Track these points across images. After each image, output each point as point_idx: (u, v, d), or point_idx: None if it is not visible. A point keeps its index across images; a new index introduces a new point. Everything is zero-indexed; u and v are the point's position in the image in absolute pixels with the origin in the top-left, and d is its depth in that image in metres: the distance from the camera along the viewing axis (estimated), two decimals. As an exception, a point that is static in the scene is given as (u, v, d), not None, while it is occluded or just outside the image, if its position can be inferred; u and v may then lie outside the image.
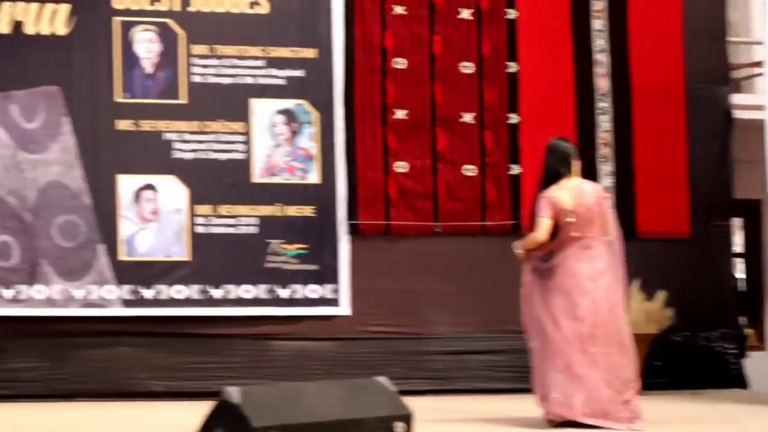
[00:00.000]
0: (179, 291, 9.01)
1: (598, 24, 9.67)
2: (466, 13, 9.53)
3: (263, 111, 9.21)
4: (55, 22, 8.98)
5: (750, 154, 9.63)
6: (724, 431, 6.93)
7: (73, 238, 8.93)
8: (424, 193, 9.41)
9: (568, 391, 6.37)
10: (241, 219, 9.13)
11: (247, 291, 9.10)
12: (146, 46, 9.07)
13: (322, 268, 9.24)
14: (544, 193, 6.55)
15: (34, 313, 8.88)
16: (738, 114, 9.89)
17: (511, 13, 9.60)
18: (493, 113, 9.57)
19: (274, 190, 9.19)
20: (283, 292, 9.16)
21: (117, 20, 9.07)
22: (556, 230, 6.50)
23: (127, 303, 8.97)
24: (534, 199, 6.68)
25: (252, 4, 9.21)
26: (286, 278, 9.17)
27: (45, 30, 8.98)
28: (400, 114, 9.40)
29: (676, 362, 9.47)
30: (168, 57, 9.11)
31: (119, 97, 9.03)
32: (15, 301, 8.84)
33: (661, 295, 9.19)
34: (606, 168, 9.52)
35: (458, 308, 9.48)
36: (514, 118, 9.60)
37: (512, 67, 9.62)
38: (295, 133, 9.23)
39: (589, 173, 7.90)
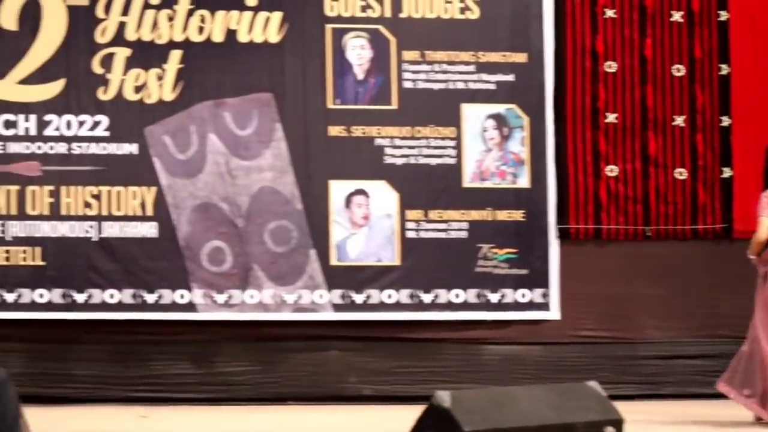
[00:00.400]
0: (389, 295, 8.99)
1: (815, 24, 9.39)
2: (677, 16, 9.34)
3: (474, 116, 9.14)
4: (268, 29, 9.03)
5: None
6: None
7: (285, 243, 8.98)
8: (634, 197, 9.26)
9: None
10: (452, 224, 9.08)
11: (456, 295, 9.05)
12: (358, 52, 9.07)
13: (532, 272, 9.15)
14: (766, 192, 6.48)
15: (246, 318, 8.95)
16: None
17: (723, 15, 9.37)
18: (705, 116, 9.36)
19: (485, 195, 9.12)
20: (493, 297, 9.09)
21: (329, 27, 9.07)
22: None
23: (338, 307, 8.98)
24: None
25: (462, 10, 9.14)
26: (495, 282, 9.09)
27: (258, 38, 9.04)
28: (611, 118, 9.26)
29: None
30: (379, 63, 9.10)
31: (331, 104, 9.04)
32: (227, 305, 8.92)
33: None
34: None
35: (668, 312, 9.30)
36: (725, 121, 9.38)
37: (724, 69, 9.40)
38: (505, 137, 9.15)
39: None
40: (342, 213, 8.95)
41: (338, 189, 8.98)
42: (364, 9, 9.05)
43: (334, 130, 8.99)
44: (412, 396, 8.38)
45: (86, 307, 8.85)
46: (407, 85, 9.05)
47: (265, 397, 8.94)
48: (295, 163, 8.94)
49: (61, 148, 8.90)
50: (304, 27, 9.02)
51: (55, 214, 8.88)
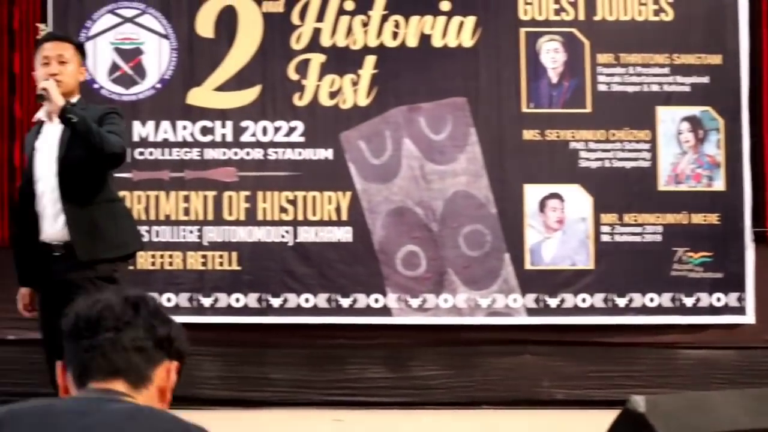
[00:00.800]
0: (583, 299, 8.92)
1: None
2: None
3: (668, 118, 9.02)
4: (462, 34, 8.99)
5: None
6: None
7: (479, 247, 8.95)
8: (833, 199, 9.10)
9: None
10: (646, 227, 8.97)
11: (651, 299, 8.95)
12: (552, 56, 8.99)
13: (727, 275, 9.01)
14: None
15: (440, 322, 8.93)
16: None
17: None
18: None
19: (680, 198, 8.99)
20: (688, 301, 8.97)
21: (523, 31, 9.01)
22: None
23: (531, 311, 8.92)
24: None
25: (656, 12, 9.01)
26: (690, 286, 8.96)
27: (452, 42, 9.01)
28: (809, 119, 9.11)
29: None
30: (573, 66, 9.01)
31: (525, 108, 8.98)
32: (421, 309, 8.91)
33: None
34: None
35: None
36: None
37: None
38: (700, 140, 9.02)
39: None
40: (536, 217, 8.89)
41: (532, 193, 8.92)
42: (557, 12, 8.96)
43: (529, 134, 8.92)
44: (606, 401, 8.31)
45: (281, 311, 8.88)
46: (601, 88, 8.96)
47: (458, 401, 8.90)
48: (489, 167, 8.89)
49: (257, 153, 8.94)
50: (498, 31, 8.96)
51: (251, 219, 8.94)
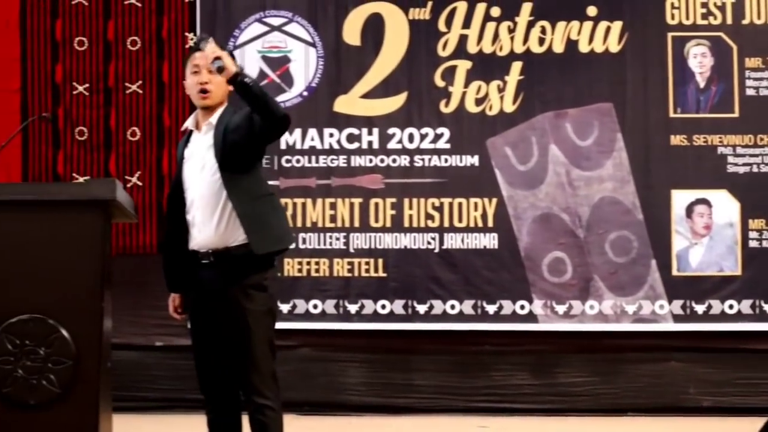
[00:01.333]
0: (730, 306, 8.80)
1: None
2: None
3: (816, 123, 8.90)
4: (609, 39, 8.90)
5: None
6: None
7: (625, 253, 8.85)
8: None
9: None
10: (796, 233, 8.86)
11: (794, 305, 8.84)
12: (699, 60, 8.88)
13: None
14: None
15: (586, 328, 8.84)
16: None
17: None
18: None
19: (833, 202, 8.86)
20: (836, 305, 8.85)
21: (670, 35, 8.90)
22: None
23: (678, 318, 8.81)
24: None
25: (806, 14, 8.90)
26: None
27: (598, 48, 8.92)
28: None
29: None
30: (720, 71, 8.88)
31: (672, 113, 8.87)
32: (567, 316, 8.84)
33: None
34: None
35: None
36: None
37: None
38: (844, 145, 8.88)
39: None
40: (683, 223, 8.78)
41: (680, 198, 8.81)
42: (705, 16, 8.84)
43: (676, 139, 8.81)
44: (753, 408, 8.23)
45: (427, 317, 8.84)
46: (749, 92, 8.83)
47: (603, 407, 8.82)
48: (636, 172, 8.79)
49: (403, 160, 8.91)
50: (645, 36, 8.85)
51: (397, 226, 8.90)
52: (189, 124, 5.21)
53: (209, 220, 5.04)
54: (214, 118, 5.10)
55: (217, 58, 4.85)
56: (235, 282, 4.99)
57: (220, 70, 4.85)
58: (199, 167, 5.08)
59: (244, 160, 5.05)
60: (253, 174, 5.11)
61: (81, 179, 8.71)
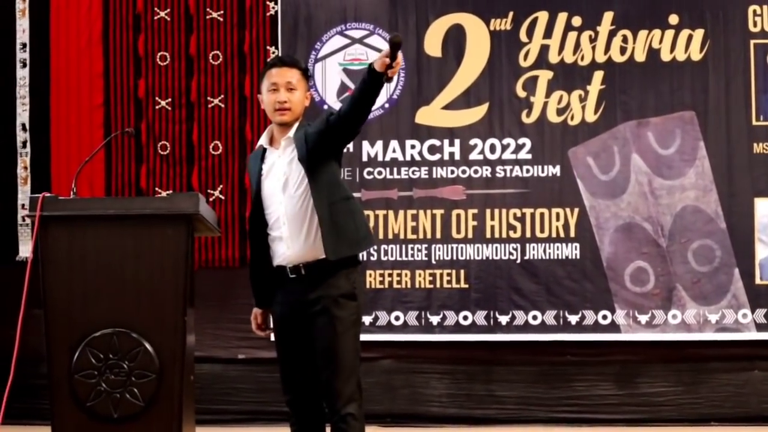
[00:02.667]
0: (815, 315, 8.68)
1: None
2: None
3: None
4: (690, 47, 8.77)
5: None
6: None
7: (708, 262, 8.71)
8: None
9: None
10: None
11: None
12: (782, 67, 8.75)
13: None
14: None
15: (669, 338, 8.71)
16: None
17: None
18: None
19: None
20: None
21: (752, 42, 8.74)
22: None
23: (761, 327, 8.65)
24: None
25: None
26: None
27: (680, 56, 8.78)
28: None
29: None
30: (804, 78, 8.75)
31: (755, 120, 8.72)
32: (650, 326, 8.71)
33: None
34: None
35: None
36: None
37: None
38: None
39: None
40: (766, 231, 8.63)
41: (763, 207, 8.66)
42: (787, 24, 8.70)
43: (759, 147, 8.67)
44: None
45: (509, 328, 8.73)
46: (834, 98, 8.67)
47: (687, 417, 8.69)
48: (719, 181, 8.65)
49: (485, 171, 8.80)
50: (727, 43, 8.70)
51: (479, 237, 8.79)
52: (263, 141, 5.17)
53: (298, 234, 5.01)
54: (292, 132, 5.07)
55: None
56: (325, 291, 4.98)
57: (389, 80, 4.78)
58: (281, 184, 5.05)
59: (325, 163, 5.03)
60: (332, 178, 5.07)
61: (164, 193, 8.65)
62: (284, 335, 5.12)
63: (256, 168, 5.17)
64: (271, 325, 5.23)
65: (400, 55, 4.67)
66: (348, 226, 5.04)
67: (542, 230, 8.71)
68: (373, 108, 8.08)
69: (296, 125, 5.09)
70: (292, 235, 5.02)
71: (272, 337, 5.19)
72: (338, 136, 5.03)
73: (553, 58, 8.77)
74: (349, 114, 4.92)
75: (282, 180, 5.04)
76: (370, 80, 4.78)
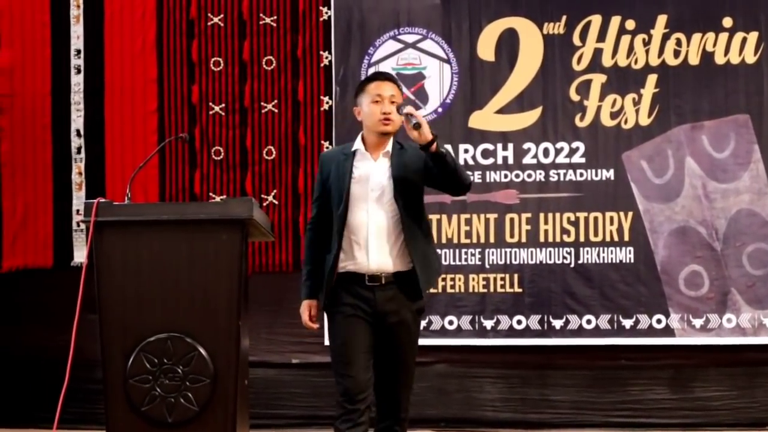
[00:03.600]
0: None
1: None
2: None
3: None
4: (745, 50, 8.61)
5: None
6: None
7: (763, 266, 8.54)
8: None
9: None
10: None
11: None
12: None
13: None
14: None
15: (724, 342, 8.54)
16: None
17: None
18: None
19: None
20: None
21: (809, 45, 8.59)
22: None
23: (816, 330, 8.49)
24: None
25: None
26: None
27: (734, 59, 8.62)
28: None
29: None
30: None
31: (813, 123, 8.55)
32: (704, 329, 8.55)
33: None
34: None
35: None
36: None
37: None
38: None
39: None
40: (807, 235, 8.45)
41: (813, 210, 8.48)
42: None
43: (810, 150, 8.49)
44: None
45: (563, 332, 8.61)
46: None
47: (741, 422, 8.53)
48: (776, 185, 8.48)
49: (538, 175, 8.69)
50: (783, 46, 8.54)
51: (532, 241, 8.68)
52: (359, 146, 5.25)
53: (385, 245, 5.11)
54: (389, 146, 5.20)
55: (416, 117, 4.98)
56: (405, 304, 5.09)
57: (417, 126, 4.93)
58: (377, 193, 5.14)
59: (419, 200, 5.20)
60: (422, 211, 5.23)
61: (217, 198, 8.59)
62: (352, 335, 5.13)
63: (346, 167, 5.23)
64: (326, 323, 5.33)
65: (408, 108, 5.05)
66: (433, 258, 5.24)
67: (596, 234, 8.58)
68: (426, 113, 8.21)
69: (391, 140, 5.24)
70: (380, 245, 5.13)
71: (326, 341, 5.17)
72: (436, 188, 5.31)
73: (607, 61, 8.64)
74: (442, 182, 5.23)
75: (378, 191, 5.16)
76: (432, 160, 5.07)
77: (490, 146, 8.71)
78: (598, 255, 8.60)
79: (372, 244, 5.12)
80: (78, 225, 8.88)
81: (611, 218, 8.60)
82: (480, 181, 8.69)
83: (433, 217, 8.67)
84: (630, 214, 8.59)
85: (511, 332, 8.66)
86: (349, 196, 5.18)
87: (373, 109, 5.21)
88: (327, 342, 7.56)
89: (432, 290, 8.14)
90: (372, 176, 5.20)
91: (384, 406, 5.17)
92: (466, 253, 8.69)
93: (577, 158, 8.65)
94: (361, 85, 5.34)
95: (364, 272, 5.12)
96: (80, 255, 8.82)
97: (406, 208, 5.14)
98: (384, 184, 5.18)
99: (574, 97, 8.65)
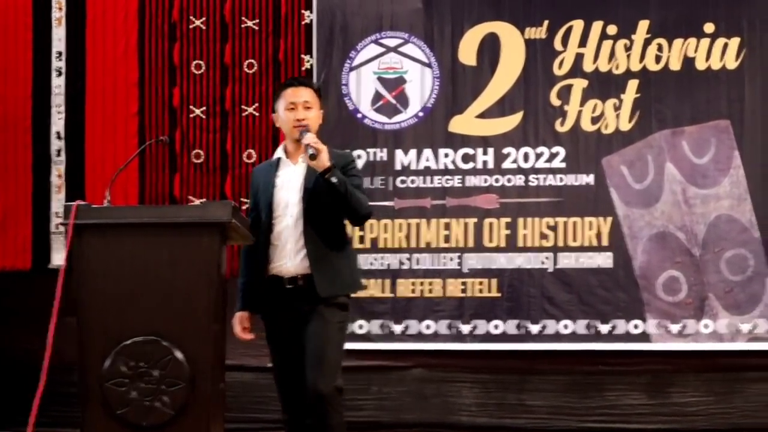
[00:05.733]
0: None
1: None
2: None
3: None
4: (726, 56, 8.54)
5: None
6: None
7: (741, 272, 8.47)
8: None
9: None
10: None
11: None
12: (814, 76, 8.50)
13: None
14: None
15: (701, 348, 8.46)
16: None
17: None
18: None
19: None
20: None
21: (788, 52, 8.53)
22: None
23: (790, 337, 8.41)
24: None
25: None
26: None
27: (716, 65, 8.55)
28: None
29: None
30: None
31: (796, 130, 8.47)
32: (681, 335, 8.48)
33: None
34: None
35: None
36: None
37: None
38: None
39: None
40: (788, 240, 8.37)
41: (797, 217, 8.42)
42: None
43: (795, 157, 8.42)
44: None
45: (540, 337, 8.51)
46: None
47: (719, 428, 8.44)
48: (753, 190, 8.41)
49: (518, 180, 8.60)
50: (763, 52, 8.46)
51: (511, 245, 8.59)
52: (280, 154, 5.35)
53: (301, 248, 5.22)
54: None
55: (313, 147, 5.04)
56: (322, 300, 5.18)
57: (312, 157, 5.01)
58: (297, 198, 5.23)
59: (327, 206, 5.27)
60: (333, 216, 5.33)
61: (197, 202, 8.49)
62: (280, 340, 5.38)
63: (270, 178, 5.31)
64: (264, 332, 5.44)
65: (313, 139, 5.13)
66: (344, 268, 5.33)
67: (575, 239, 8.51)
68: (406, 117, 8.13)
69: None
70: (297, 248, 5.23)
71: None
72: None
73: (588, 66, 8.57)
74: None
75: (297, 195, 5.25)
76: (326, 187, 5.14)
77: (471, 150, 8.64)
78: (577, 260, 8.54)
79: (290, 248, 5.25)
80: (57, 227, 8.76)
81: (590, 223, 8.54)
82: (460, 185, 8.62)
83: (413, 222, 8.60)
84: (609, 219, 8.53)
85: (489, 337, 8.57)
86: (272, 204, 5.29)
87: (288, 116, 5.29)
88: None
89: (410, 294, 8.12)
90: (291, 181, 5.29)
91: (308, 394, 5.27)
92: (444, 258, 8.62)
93: (557, 163, 8.58)
94: (277, 91, 5.39)
95: (282, 275, 5.24)
96: (59, 258, 8.70)
97: (316, 216, 5.23)
98: (298, 188, 5.27)
99: (555, 101, 8.58)
